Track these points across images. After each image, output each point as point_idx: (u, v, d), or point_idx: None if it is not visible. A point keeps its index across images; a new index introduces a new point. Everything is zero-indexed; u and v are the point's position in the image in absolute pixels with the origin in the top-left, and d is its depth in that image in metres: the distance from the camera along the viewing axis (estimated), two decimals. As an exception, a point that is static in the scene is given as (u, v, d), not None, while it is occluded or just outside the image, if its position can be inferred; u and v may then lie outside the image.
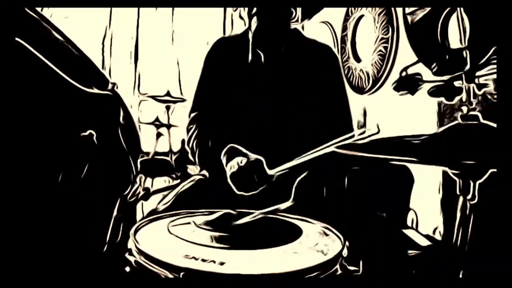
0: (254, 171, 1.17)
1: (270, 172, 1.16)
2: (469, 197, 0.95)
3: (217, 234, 0.90)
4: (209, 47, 1.49)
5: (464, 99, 1.06)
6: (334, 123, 1.38)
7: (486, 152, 0.86)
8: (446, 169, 0.98)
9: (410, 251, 1.25)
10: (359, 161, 1.17)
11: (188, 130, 1.45)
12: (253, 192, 1.16)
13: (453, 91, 1.08)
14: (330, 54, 1.48)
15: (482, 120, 0.97)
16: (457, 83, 1.09)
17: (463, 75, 1.06)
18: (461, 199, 0.96)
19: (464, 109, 1.01)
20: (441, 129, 0.99)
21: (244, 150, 1.23)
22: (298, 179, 1.09)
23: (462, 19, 1.30)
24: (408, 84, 1.28)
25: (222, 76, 1.44)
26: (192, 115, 1.46)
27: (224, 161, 1.25)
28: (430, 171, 1.73)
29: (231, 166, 1.20)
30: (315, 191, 1.21)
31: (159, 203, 1.31)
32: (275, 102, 1.38)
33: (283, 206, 1.00)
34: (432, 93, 1.14)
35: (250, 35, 1.40)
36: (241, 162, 1.18)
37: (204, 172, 1.44)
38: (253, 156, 1.20)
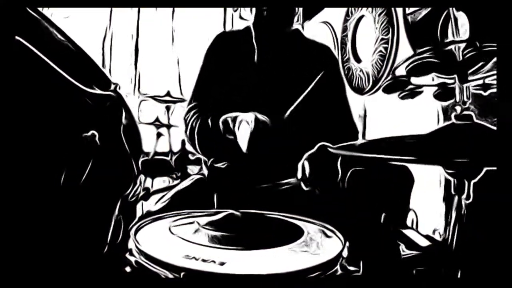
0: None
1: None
2: (464, 196, 0.95)
3: (220, 234, 0.90)
4: (210, 41, 1.48)
5: (458, 99, 1.06)
6: (335, 122, 1.38)
7: (480, 151, 0.86)
8: (440, 168, 0.98)
9: (410, 251, 1.25)
10: (359, 161, 1.17)
11: (185, 120, 1.44)
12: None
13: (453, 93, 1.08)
14: (329, 54, 1.49)
15: (475, 120, 0.97)
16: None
17: (455, 75, 1.07)
18: (456, 198, 0.96)
19: (458, 109, 1.01)
20: (435, 129, 1.00)
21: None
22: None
23: (456, 19, 1.31)
24: (396, 86, 1.28)
25: (222, 71, 1.43)
26: (190, 106, 1.45)
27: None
28: (430, 171, 1.73)
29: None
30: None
31: (156, 202, 1.31)
32: (274, 102, 1.38)
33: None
34: (437, 96, 1.15)
35: (253, 32, 1.40)
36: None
37: (204, 171, 1.44)
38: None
